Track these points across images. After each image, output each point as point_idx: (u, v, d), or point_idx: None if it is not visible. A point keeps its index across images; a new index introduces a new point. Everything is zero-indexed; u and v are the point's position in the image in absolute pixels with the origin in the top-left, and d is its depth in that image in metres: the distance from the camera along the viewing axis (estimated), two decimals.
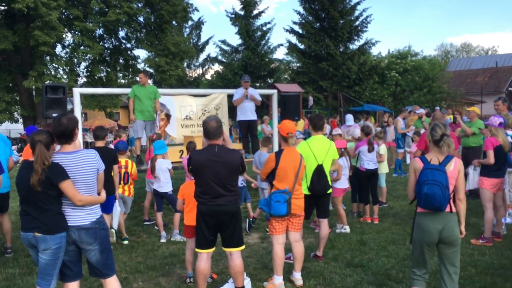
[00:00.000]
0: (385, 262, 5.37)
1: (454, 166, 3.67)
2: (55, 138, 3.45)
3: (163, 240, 6.52)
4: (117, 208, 6.11)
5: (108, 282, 3.66)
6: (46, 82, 16.71)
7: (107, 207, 5.80)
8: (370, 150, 7.25)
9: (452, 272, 3.69)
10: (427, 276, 3.84)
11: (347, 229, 6.74)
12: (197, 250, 4.23)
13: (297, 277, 4.75)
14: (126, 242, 6.43)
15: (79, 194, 3.41)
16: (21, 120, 24.20)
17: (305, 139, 6.50)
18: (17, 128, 26.49)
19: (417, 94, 31.35)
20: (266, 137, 7.08)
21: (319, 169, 5.12)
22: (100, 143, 5.93)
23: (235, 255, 4.21)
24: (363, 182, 7.41)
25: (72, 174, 3.40)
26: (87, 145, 20.63)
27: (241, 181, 6.69)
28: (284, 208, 4.42)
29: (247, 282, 4.55)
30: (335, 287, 4.67)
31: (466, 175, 6.52)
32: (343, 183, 6.80)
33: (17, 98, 22.44)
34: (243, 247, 4.29)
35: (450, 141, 3.68)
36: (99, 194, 3.67)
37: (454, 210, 3.68)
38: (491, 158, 5.82)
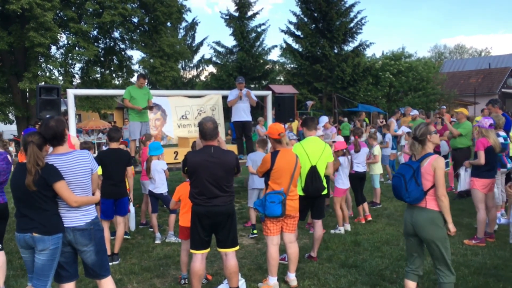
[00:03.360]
0: (379, 262, 5.41)
1: (428, 163, 3.76)
2: (48, 142, 3.46)
3: (157, 242, 6.52)
4: (132, 210, 6.11)
5: (103, 283, 3.68)
6: (40, 83, 16.65)
7: (122, 210, 5.80)
8: (356, 150, 7.37)
9: (439, 266, 3.78)
10: (420, 272, 3.92)
11: (341, 230, 6.78)
12: (192, 251, 4.25)
13: (292, 278, 4.78)
14: None
15: (73, 195, 3.43)
16: (15, 122, 24.04)
17: (299, 140, 6.54)
18: (10, 130, 26.25)
19: (411, 95, 31.50)
20: (262, 138, 7.12)
21: (313, 171, 5.17)
22: (114, 145, 5.85)
23: (230, 255, 4.24)
24: (354, 184, 7.46)
25: (66, 175, 3.41)
26: None
27: None
28: (278, 209, 4.45)
29: (242, 283, 4.57)
30: None
31: (457, 176, 6.60)
32: (345, 184, 6.85)
33: (12, 99, 22.32)
34: (237, 247, 4.32)
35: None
36: (93, 194, 3.69)
37: (430, 207, 3.72)
38: (481, 159, 5.88)
